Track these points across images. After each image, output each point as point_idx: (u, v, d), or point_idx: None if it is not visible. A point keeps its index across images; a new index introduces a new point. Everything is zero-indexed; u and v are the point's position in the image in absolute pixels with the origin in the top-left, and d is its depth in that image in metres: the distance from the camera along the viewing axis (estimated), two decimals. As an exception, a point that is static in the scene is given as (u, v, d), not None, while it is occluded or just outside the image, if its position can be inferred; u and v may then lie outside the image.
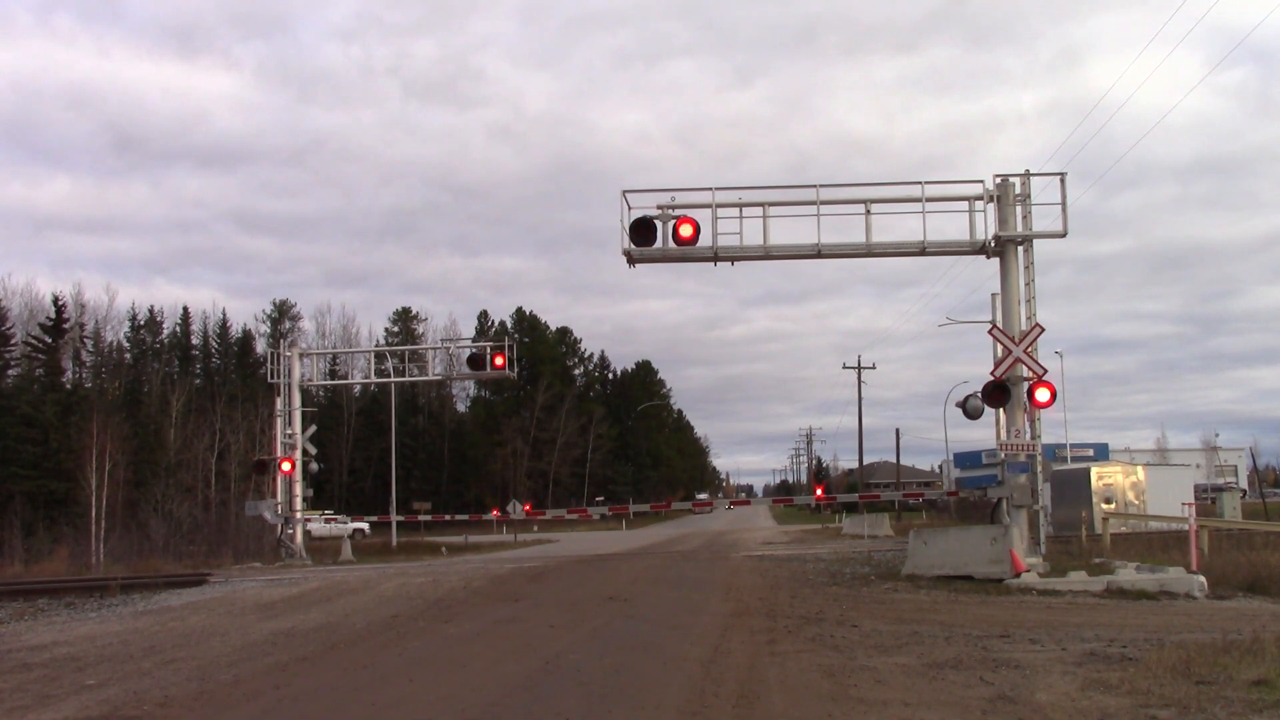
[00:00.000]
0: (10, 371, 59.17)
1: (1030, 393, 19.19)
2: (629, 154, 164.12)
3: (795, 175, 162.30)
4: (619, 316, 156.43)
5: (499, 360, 34.22)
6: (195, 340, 78.07)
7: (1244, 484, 73.58)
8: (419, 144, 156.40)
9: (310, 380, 37.84)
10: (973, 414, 22.53)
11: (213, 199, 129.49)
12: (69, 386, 58.59)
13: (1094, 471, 35.19)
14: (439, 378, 54.85)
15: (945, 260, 23.41)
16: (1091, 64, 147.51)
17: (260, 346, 77.50)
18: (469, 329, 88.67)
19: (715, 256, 20.67)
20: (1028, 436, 19.41)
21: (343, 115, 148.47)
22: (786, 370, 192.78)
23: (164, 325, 75.54)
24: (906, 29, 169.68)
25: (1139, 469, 36.05)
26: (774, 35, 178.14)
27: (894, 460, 78.57)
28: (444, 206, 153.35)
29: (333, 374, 74.63)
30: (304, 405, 35.13)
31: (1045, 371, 19.49)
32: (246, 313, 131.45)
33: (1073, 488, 34.59)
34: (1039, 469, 19.64)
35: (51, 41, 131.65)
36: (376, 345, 76.07)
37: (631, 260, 20.82)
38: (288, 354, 35.64)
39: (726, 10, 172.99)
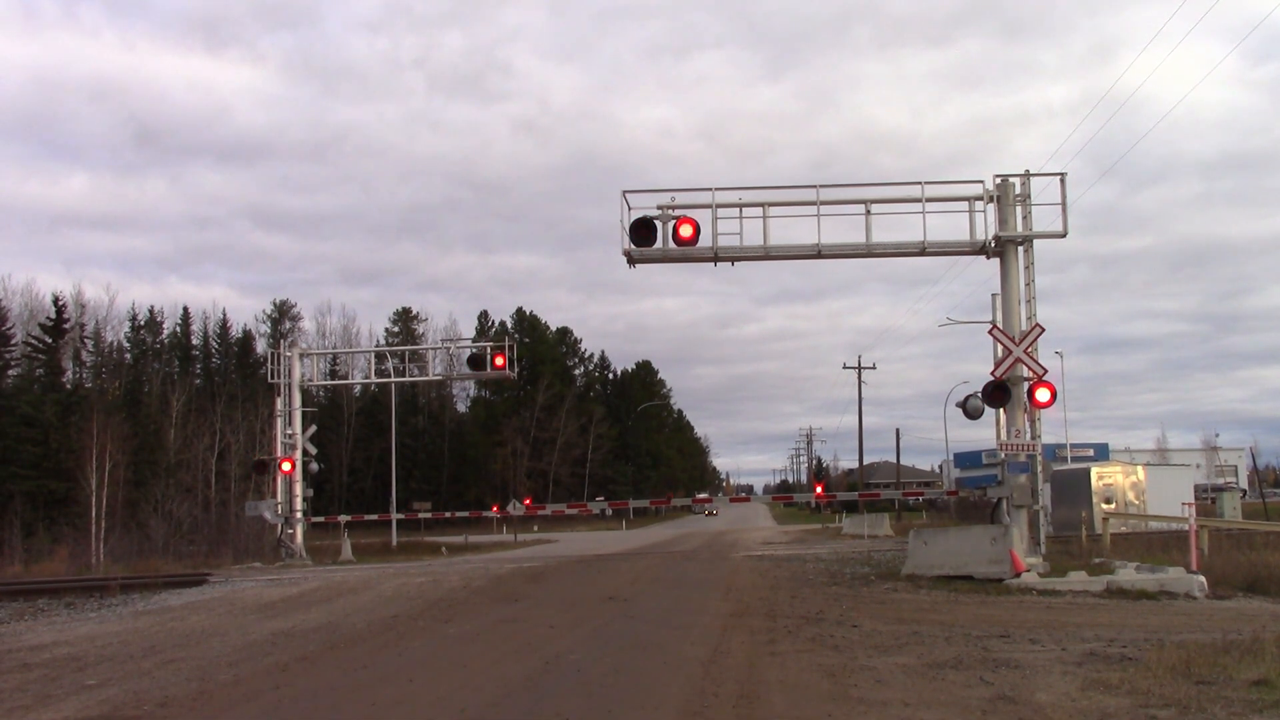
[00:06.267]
0: (10, 371, 59.17)
1: (1030, 393, 19.18)
2: (652, 149, 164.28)
3: (820, 171, 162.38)
4: (632, 315, 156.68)
5: (499, 360, 34.24)
6: (195, 340, 78.17)
7: (1244, 484, 73.58)
8: (441, 139, 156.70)
9: (310, 380, 37.83)
10: (973, 414, 22.53)
11: (230, 195, 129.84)
12: (69, 386, 58.61)
13: (1094, 471, 35.17)
14: (439, 378, 54.87)
15: (959, 258, 23.38)
16: (1124, 58, 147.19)
17: (260, 346, 77.63)
18: (471, 329, 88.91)
19: (715, 257, 20.67)
20: (1028, 436, 19.41)
21: (366, 109, 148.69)
22: (796, 369, 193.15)
23: (164, 325, 75.68)
24: (940, 21, 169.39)
25: (1139, 469, 36.03)
26: (806, 27, 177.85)
27: (894, 460, 78.62)
28: (463, 203, 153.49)
29: (333, 374, 74.68)
30: (304, 405, 35.11)
31: (1045, 371, 19.48)
32: (259, 311, 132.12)
33: (1073, 488, 34.58)
34: (1039, 469, 19.63)
35: (76, 34, 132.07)
36: (377, 345, 76.18)
37: (631, 260, 20.83)
38: (288, 354, 35.61)
39: (760, 1, 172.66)
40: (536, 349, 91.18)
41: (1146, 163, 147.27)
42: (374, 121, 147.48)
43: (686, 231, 20.17)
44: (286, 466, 33.41)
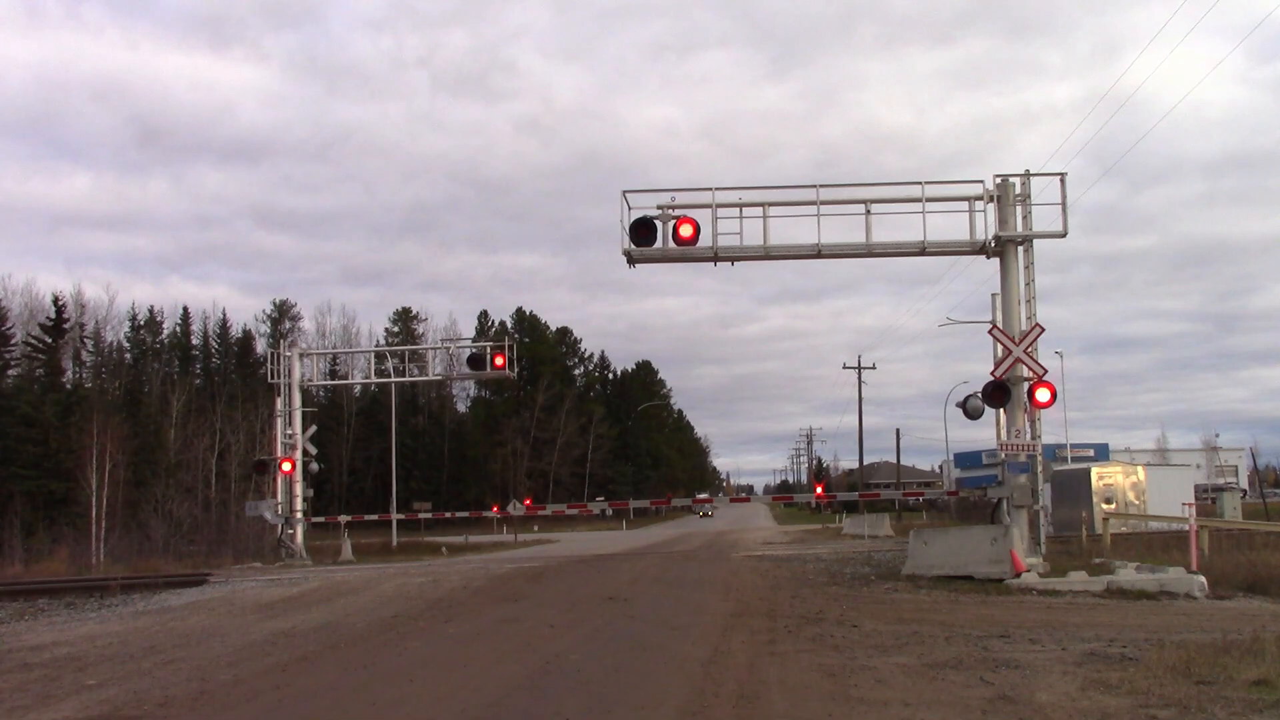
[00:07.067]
0: (10, 371, 59.16)
1: (1030, 393, 19.18)
2: (655, 149, 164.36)
3: (823, 171, 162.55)
4: (634, 314, 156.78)
5: (499, 360, 34.26)
6: (195, 340, 78.16)
7: (1244, 484, 73.57)
8: (445, 138, 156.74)
9: (310, 380, 37.84)
10: (973, 414, 22.54)
11: (233, 195, 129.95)
12: (69, 386, 58.60)
13: (1094, 472, 35.18)
14: (439, 378, 54.91)
15: (960, 257, 23.34)
16: (1129, 57, 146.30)
17: (260, 346, 77.64)
18: (472, 328, 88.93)
19: (715, 256, 20.68)
20: (1028, 436, 19.41)
21: (369, 109, 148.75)
22: (798, 369, 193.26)
23: (164, 325, 75.67)
24: (944, 20, 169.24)
25: (1139, 469, 36.03)
26: (811, 26, 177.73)
27: (894, 460, 78.63)
28: (466, 202, 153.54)
29: (333, 374, 74.66)
30: (304, 405, 35.13)
31: (1045, 371, 19.49)
32: (259, 310, 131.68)
33: (1073, 488, 34.58)
34: (1039, 469, 19.64)
35: (79, 33, 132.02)
36: (377, 345, 76.17)
37: (631, 260, 20.84)
38: (288, 354, 35.62)
39: (764, 0, 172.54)
40: (536, 349, 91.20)
41: (1150, 162, 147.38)
42: (377, 121, 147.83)
43: (686, 231, 20.19)
44: (286, 466, 33.44)
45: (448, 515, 48.16)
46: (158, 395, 63.56)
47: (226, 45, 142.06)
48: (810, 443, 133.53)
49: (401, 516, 46.09)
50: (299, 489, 33.93)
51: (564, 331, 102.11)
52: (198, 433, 53.30)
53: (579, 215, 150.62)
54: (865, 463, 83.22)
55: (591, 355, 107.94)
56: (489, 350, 35.12)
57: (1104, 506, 31.28)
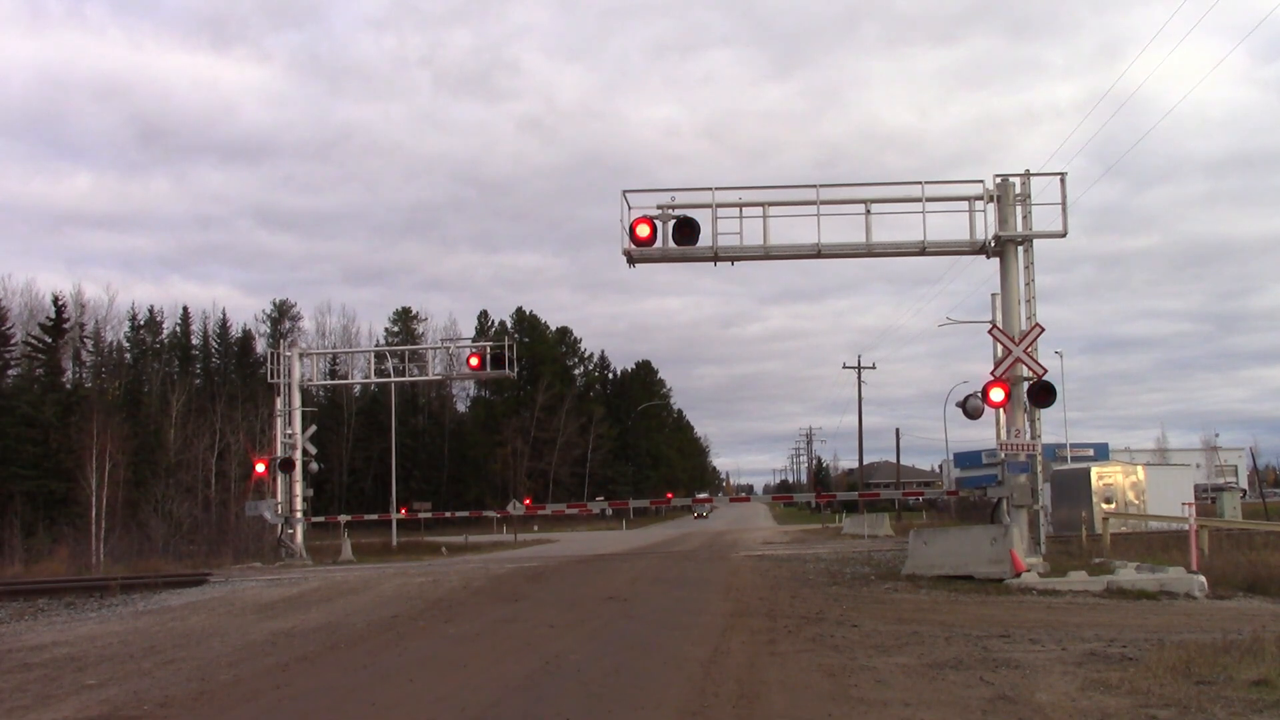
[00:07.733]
0: (10, 371, 59.14)
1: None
2: (658, 148, 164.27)
3: (825, 170, 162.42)
4: (635, 314, 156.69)
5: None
6: (195, 340, 78.08)
7: (1244, 484, 73.56)
8: (447, 138, 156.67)
9: (310, 380, 37.82)
10: (973, 414, 22.50)
11: (234, 194, 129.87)
12: (69, 386, 58.59)
13: (1094, 471, 35.17)
14: (439, 378, 54.84)
15: (961, 257, 23.31)
16: (1131, 56, 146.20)
17: (260, 346, 77.58)
18: (471, 329, 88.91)
19: (715, 256, 20.69)
20: (1028, 436, 19.41)
21: (372, 108, 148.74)
22: (799, 369, 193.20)
23: (164, 325, 75.59)
24: (948, 19, 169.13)
25: (1139, 469, 36.02)
26: (814, 25, 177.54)
27: (894, 460, 78.62)
28: (468, 202, 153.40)
29: (333, 374, 74.62)
30: (304, 405, 35.11)
31: (1045, 371, 19.50)
32: (259, 310, 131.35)
33: (1073, 488, 34.58)
34: (1039, 469, 19.64)
35: (82, 32, 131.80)
36: (376, 345, 76.13)
37: (631, 260, 20.85)
38: (288, 354, 35.62)
39: None
40: (536, 349, 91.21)
41: (1152, 162, 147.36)
42: (379, 120, 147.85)
43: (686, 231, 20.20)
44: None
45: (448, 515, 48.19)
46: (158, 395, 63.55)
47: (229, 45, 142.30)
48: (810, 443, 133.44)
49: (401, 516, 46.10)
50: (299, 489, 33.93)
51: (564, 331, 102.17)
52: (198, 433, 53.32)
53: (580, 215, 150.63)
54: (865, 463, 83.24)
55: (591, 355, 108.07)
56: (488, 350, 35.15)
57: (1104, 506, 31.27)
